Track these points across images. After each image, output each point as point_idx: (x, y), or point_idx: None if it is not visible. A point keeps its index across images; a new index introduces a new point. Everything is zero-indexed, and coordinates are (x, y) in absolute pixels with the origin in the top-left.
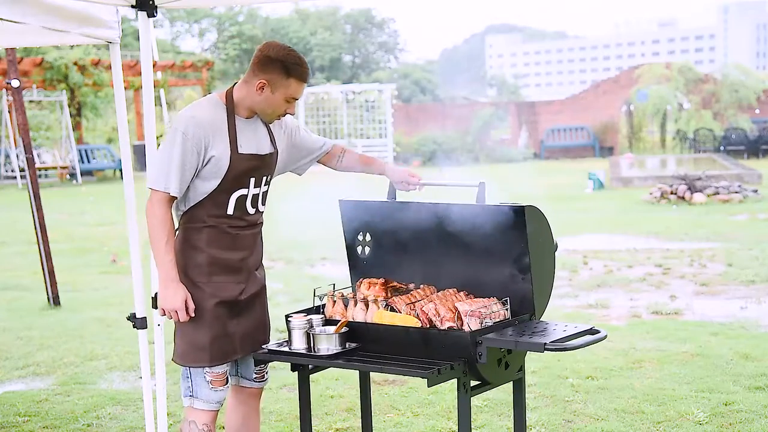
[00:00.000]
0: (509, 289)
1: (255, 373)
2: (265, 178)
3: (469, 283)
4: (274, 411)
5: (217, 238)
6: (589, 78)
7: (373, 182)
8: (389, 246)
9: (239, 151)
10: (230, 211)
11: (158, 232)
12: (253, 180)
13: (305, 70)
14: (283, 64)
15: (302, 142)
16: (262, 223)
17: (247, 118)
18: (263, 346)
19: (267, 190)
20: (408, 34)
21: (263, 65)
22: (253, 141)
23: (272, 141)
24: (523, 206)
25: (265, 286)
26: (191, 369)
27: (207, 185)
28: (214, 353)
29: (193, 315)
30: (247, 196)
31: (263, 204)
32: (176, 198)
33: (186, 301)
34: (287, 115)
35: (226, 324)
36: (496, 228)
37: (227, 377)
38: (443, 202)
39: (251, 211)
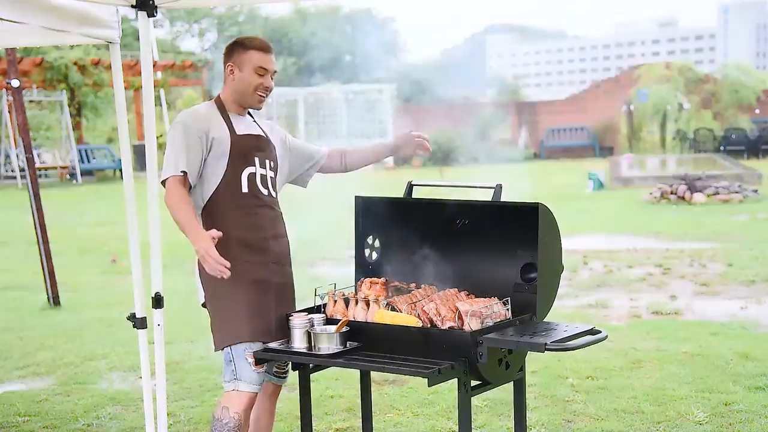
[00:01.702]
0: (516, 289)
1: (275, 368)
2: (268, 162)
3: (483, 282)
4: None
5: (238, 220)
6: (589, 78)
7: (369, 183)
8: (400, 244)
9: (237, 133)
10: (244, 189)
11: (176, 204)
12: (257, 159)
13: (260, 40)
14: (238, 42)
15: (297, 145)
16: (279, 211)
17: (239, 115)
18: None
19: (275, 177)
20: (408, 34)
21: (227, 54)
22: (248, 127)
23: (266, 134)
24: (536, 204)
25: (293, 284)
26: (233, 351)
27: (217, 168)
28: (253, 328)
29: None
30: (255, 174)
31: (274, 189)
32: (189, 177)
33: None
34: (277, 126)
35: (262, 302)
36: (507, 226)
37: None
38: (458, 200)
39: (264, 191)
